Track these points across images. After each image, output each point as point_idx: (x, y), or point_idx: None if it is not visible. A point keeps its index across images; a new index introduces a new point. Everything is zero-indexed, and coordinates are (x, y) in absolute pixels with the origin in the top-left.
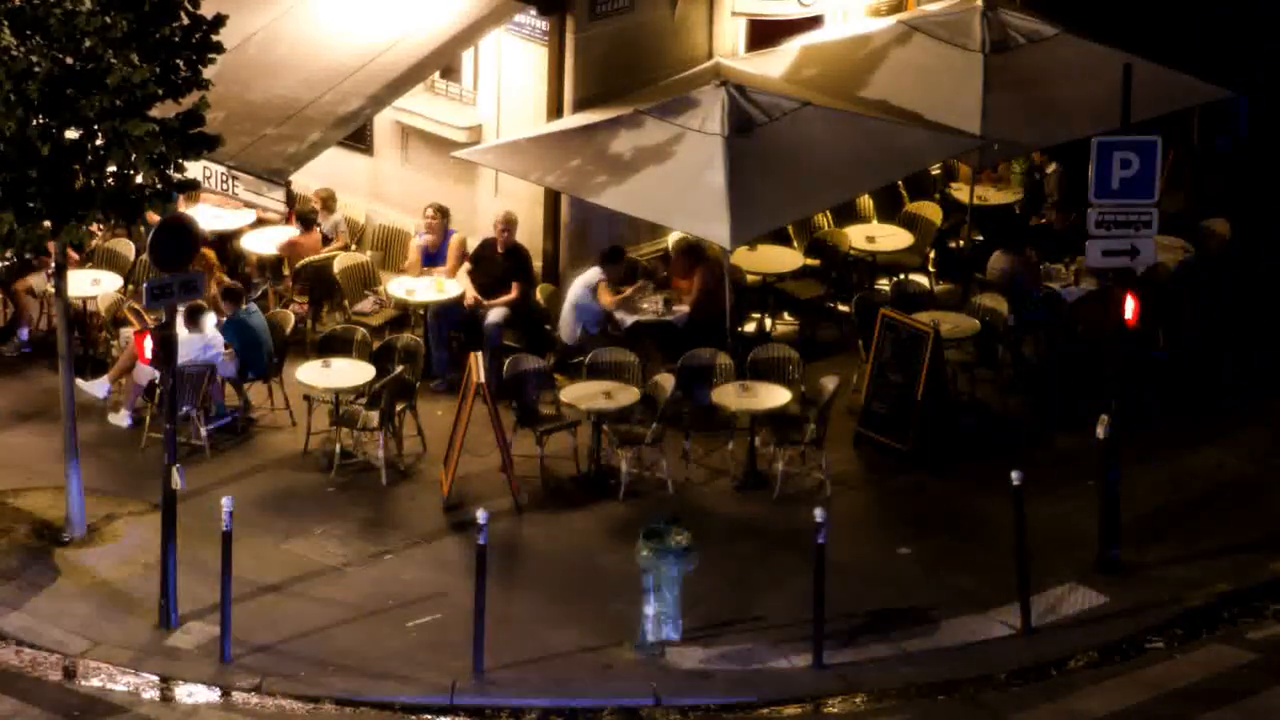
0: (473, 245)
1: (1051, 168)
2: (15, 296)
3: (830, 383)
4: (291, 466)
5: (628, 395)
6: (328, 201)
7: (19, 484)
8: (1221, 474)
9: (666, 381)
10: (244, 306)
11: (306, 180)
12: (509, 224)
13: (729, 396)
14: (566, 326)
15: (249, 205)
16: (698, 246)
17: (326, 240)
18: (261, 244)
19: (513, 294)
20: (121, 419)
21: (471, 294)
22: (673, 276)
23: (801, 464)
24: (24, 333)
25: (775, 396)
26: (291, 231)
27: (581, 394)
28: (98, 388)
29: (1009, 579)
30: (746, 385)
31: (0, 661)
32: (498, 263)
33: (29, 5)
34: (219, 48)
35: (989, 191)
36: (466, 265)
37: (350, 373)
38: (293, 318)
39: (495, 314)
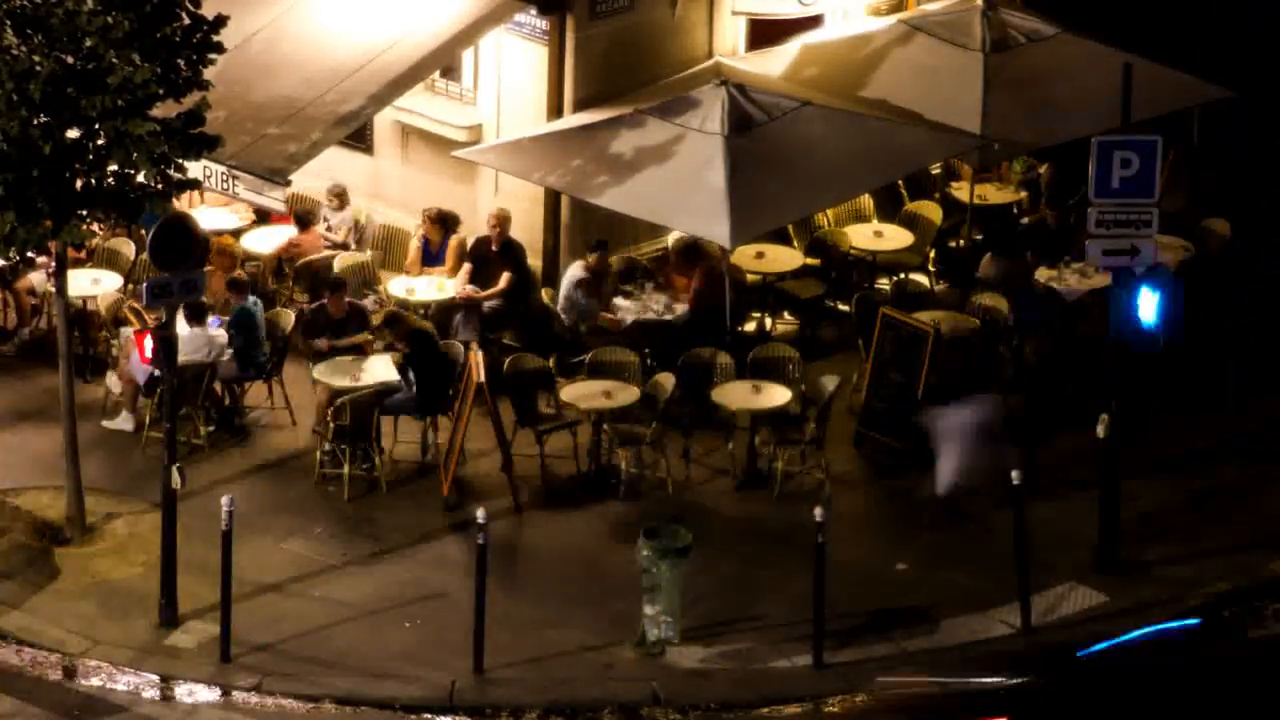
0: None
1: (1044, 168)
2: (16, 296)
3: (830, 382)
4: (291, 466)
5: (627, 395)
6: (340, 197)
7: (19, 484)
8: (1221, 474)
9: (666, 381)
10: (249, 299)
11: (308, 180)
12: (502, 221)
13: (730, 395)
14: (562, 314)
15: (250, 205)
16: (697, 245)
17: (330, 241)
18: (260, 243)
19: (502, 284)
20: (124, 422)
21: (463, 289)
22: (672, 275)
23: (801, 463)
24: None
25: (775, 396)
26: (290, 231)
27: (581, 394)
28: (123, 422)
29: (1009, 578)
30: (757, 385)
31: (0, 661)
32: (492, 259)
33: (31, 5)
34: (220, 48)
35: (989, 191)
36: (466, 264)
37: (375, 371)
38: (293, 316)
39: (488, 306)
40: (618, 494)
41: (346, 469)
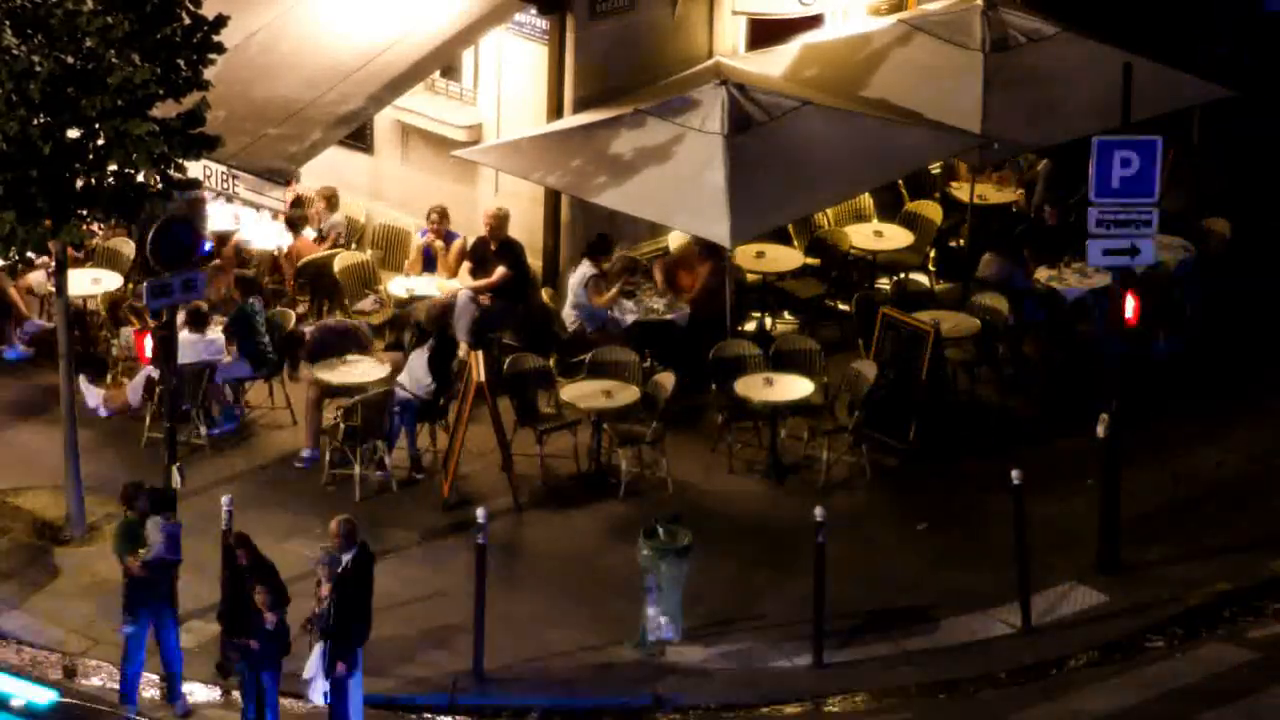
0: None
1: (1041, 164)
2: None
3: (869, 370)
4: (292, 466)
5: (627, 394)
6: (330, 200)
7: (19, 483)
8: (1221, 474)
9: (666, 380)
10: (250, 300)
11: (307, 180)
12: (498, 220)
13: (747, 388)
14: (568, 319)
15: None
16: (699, 244)
17: (321, 238)
18: (257, 242)
19: (494, 277)
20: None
21: (465, 284)
22: (676, 274)
23: (829, 450)
24: (17, 349)
25: (789, 389)
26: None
27: (581, 393)
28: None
29: (1009, 578)
30: (769, 378)
31: (0, 660)
32: (491, 258)
33: (31, 5)
34: (220, 48)
35: (989, 191)
36: (467, 264)
37: (367, 369)
38: (293, 316)
39: (465, 295)
40: (618, 494)
41: (357, 469)
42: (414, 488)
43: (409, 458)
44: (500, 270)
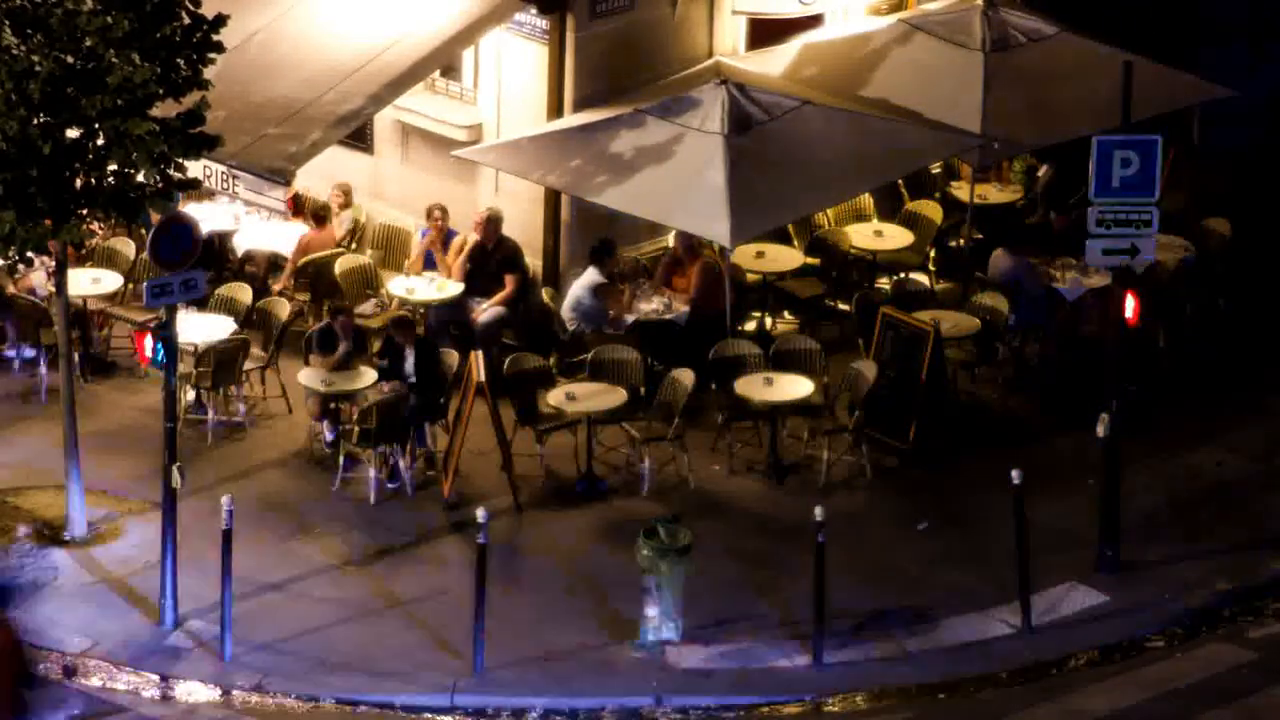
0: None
1: (1043, 169)
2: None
3: (869, 370)
4: (292, 466)
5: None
6: (347, 196)
7: (19, 484)
8: (1221, 473)
9: (685, 377)
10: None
11: (309, 180)
12: (492, 221)
13: (747, 389)
14: (566, 319)
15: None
16: (697, 243)
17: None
18: (259, 241)
19: (507, 289)
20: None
21: (477, 311)
22: (673, 275)
23: (829, 452)
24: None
25: (789, 388)
26: (301, 229)
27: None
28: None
29: (1009, 578)
30: (769, 378)
31: None
32: (490, 260)
33: (30, 5)
34: (219, 47)
35: (989, 191)
36: (463, 264)
37: (355, 375)
38: (288, 306)
39: (491, 312)
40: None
41: (372, 472)
42: (414, 487)
43: (422, 456)
44: (511, 280)
